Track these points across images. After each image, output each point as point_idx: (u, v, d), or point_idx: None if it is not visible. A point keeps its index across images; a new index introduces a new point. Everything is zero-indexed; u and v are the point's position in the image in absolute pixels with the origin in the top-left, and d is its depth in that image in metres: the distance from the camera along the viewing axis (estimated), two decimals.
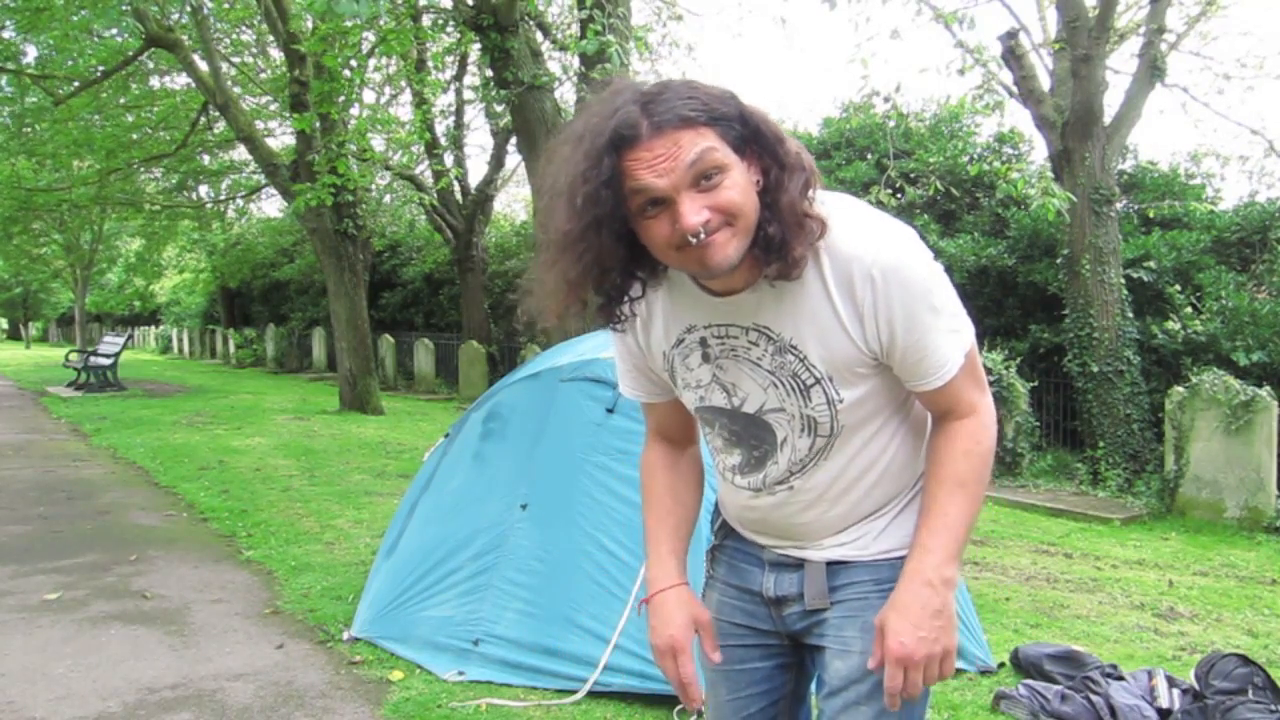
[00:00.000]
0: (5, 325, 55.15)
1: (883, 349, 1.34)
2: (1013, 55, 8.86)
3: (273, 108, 15.98)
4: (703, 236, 1.21)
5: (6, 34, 14.04)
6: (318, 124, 11.02)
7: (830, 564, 1.49)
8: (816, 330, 1.34)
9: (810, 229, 1.27)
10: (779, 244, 1.25)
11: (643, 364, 1.53)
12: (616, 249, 1.27)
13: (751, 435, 1.45)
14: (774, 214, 1.25)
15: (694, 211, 1.20)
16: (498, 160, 16.04)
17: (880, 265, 1.28)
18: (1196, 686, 3.23)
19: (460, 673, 3.44)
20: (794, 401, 1.39)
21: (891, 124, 10.66)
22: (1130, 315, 8.57)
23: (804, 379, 1.37)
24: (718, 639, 1.57)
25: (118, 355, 16.72)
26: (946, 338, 1.34)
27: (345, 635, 3.86)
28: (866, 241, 1.30)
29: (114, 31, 14.13)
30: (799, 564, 1.51)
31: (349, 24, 8.87)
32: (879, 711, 1.42)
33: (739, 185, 1.23)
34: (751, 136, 1.25)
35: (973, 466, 1.39)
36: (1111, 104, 8.83)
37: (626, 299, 1.38)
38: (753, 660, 1.58)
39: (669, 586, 1.54)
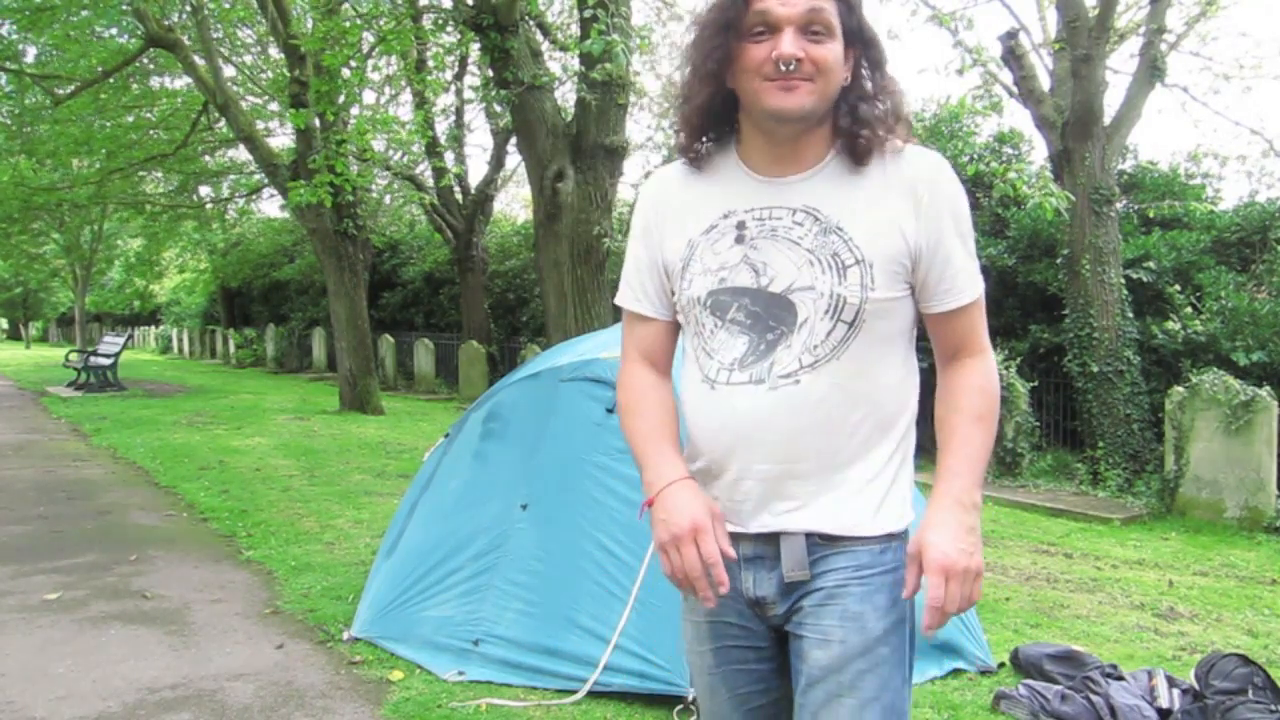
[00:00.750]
0: (5, 325, 55.13)
1: (922, 251, 1.44)
2: (1013, 55, 8.86)
3: (272, 108, 15.98)
4: (792, 67, 1.36)
5: (6, 33, 14.03)
6: (315, 121, 11.01)
7: (810, 543, 1.45)
8: (869, 218, 1.44)
9: (890, 121, 1.44)
10: (862, 118, 1.42)
11: (657, 259, 1.56)
12: (733, 59, 1.41)
13: (770, 316, 1.44)
14: (863, 97, 1.44)
15: (794, 45, 1.36)
16: (498, 160, 16.05)
17: (941, 173, 1.46)
18: (1196, 686, 3.23)
19: (460, 673, 3.44)
20: (827, 279, 1.42)
21: None
22: (1130, 315, 8.56)
23: (844, 259, 1.43)
24: (712, 640, 1.55)
25: (118, 355, 16.72)
26: (971, 263, 1.48)
27: (345, 635, 3.86)
28: (929, 155, 1.48)
29: (114, 31, 14.14)
30: (775, 555, 1.47)
31: (348, 23, 8.88)
32: (863, 703, 1.41)
33: (836, 54, 1.40)
34: (867, 42, 1.44)
35: (987, 403, 1.48)
36: (1111, 104, 8.83)
37: (713, 121, 1.50)
38: (749, 661, 1.56)
39: (679, 479, 1.46)
